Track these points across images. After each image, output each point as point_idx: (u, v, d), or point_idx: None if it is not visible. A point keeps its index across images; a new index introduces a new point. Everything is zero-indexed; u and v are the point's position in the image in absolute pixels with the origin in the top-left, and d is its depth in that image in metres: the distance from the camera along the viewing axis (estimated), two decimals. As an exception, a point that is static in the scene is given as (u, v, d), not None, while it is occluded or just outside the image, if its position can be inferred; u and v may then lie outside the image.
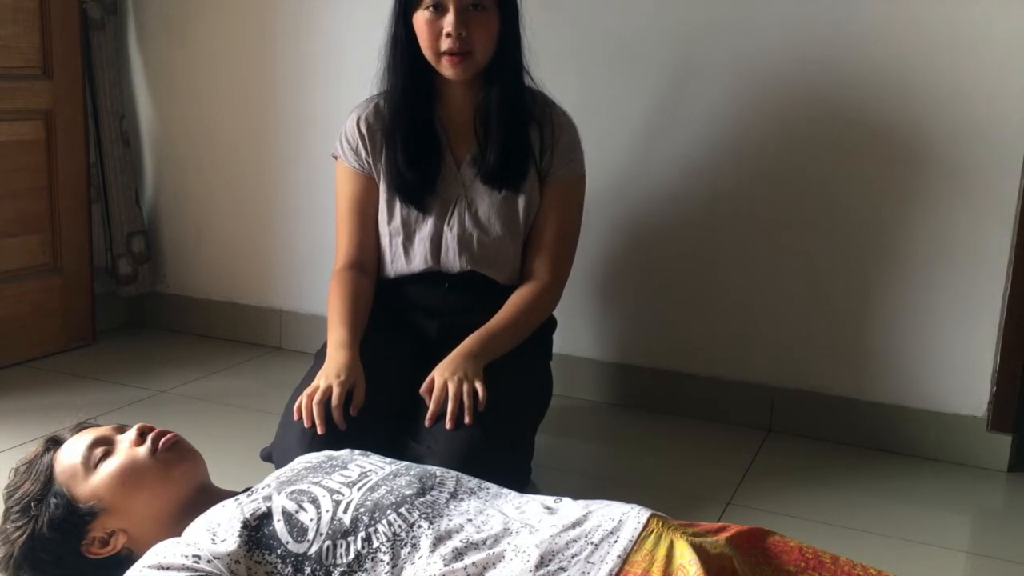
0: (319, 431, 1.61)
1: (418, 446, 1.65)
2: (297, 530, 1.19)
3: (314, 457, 1.39)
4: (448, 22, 1.70)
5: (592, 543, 1.14)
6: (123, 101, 2.82)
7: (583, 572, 1.11)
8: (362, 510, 1.20)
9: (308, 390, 1.67)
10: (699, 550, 1.10)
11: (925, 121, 2.09)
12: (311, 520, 1.20)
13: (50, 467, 1.32)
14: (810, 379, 2.28)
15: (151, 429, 1.36)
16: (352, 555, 1.16)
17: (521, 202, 1.86)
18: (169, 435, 1.36)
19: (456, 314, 1.88)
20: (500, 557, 1.13)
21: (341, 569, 1.16)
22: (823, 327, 2.25)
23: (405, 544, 1.16)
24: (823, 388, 2.27)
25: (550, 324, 2.00)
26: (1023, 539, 1.82)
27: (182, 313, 2.93)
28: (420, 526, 1.18)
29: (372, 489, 1.24)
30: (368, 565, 1.15)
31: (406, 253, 1.88)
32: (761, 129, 2.23)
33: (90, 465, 1.31)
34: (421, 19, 1.73)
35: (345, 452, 1.40)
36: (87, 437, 1.34)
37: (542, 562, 1.12)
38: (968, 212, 2.09)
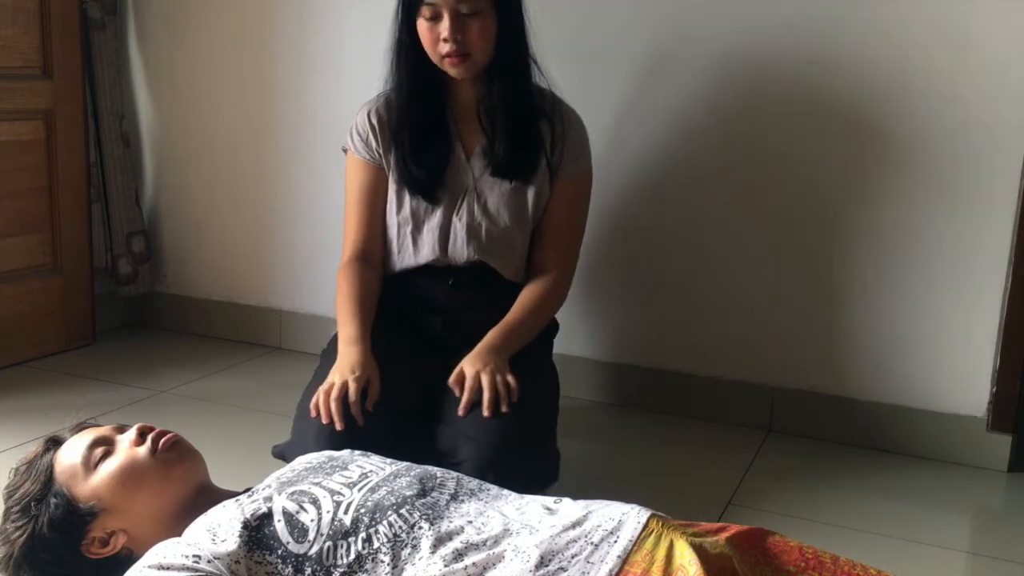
0: (338, 427, 1.61)
1: (449, 432, 1.68)
2: (298, 531, 1.19)
3: (314, 458, 1.39)
4: (444, 28, 1.75)
5: (592, 543, 1.14)
6: (123, 101, 2.82)
7: (583, 572, 1.11)
8: (363, 511, 1.20)
9: (324, 387, 1.67)
10: (699, 550, 1.10)
11: (925, 121, 2.09)
12: (312, 521, 1.20)
13: (50, 467, 1.32)
14: (810, 379, 2.28)
15: (151, 429, 1.36)
16: (352, 556, 1.16)
17: (531, 194, 1.89)
18: (169, 435, 1.36)
19: (460, 311, 1.90)
20: (500, 557, 1.13)
21: (341, 570, 1.16)
22: (823, 327, 2.25)
23: (406, 545, 1.16)
24: (823, 388, 2.27)
25: (553, 325, 2.01)
26: (1023, 539, 1.82)
27: (182, 313, 2.93)
28: (421, 527, 1.18)
29: (373, 490, 1.24)
30: (368, 566, 1.16)
31: (414, 243, 1.90)
32: (760, 129, 2.23)
33: (90, 465, 1.31)
34: (422, 26, 1.78)
35: (345, 452, 1.40)
36: (87, 437, 1.34)
37: (542, 562, 1.12)
38: (968, 212, 2.09)
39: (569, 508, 1.23)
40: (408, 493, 1.23)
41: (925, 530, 1.83)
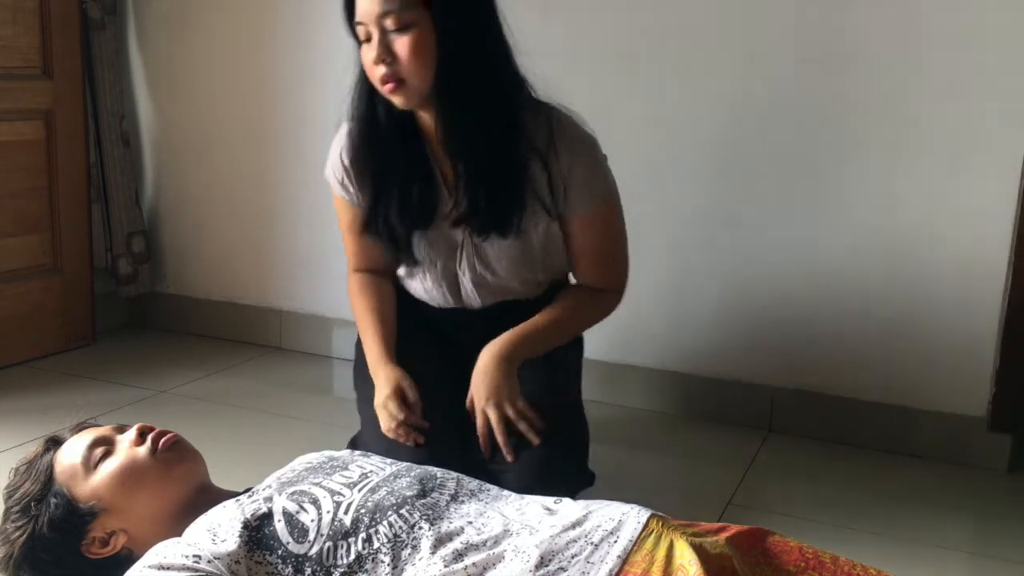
0: (419, 442, 1.58)
1: (495, 466, 1.60)
2: (298, 531, 1.19)
3: (315, 458, 1.39)
4: (373, 48, 1.50)
5: (592, 543, 1.14)
6: (123, 101, 2.82)
7: (583, 572, 1.11)
8: (363, 511, 1.20)
9: (384, 424, 1.61)
10: (699, 550, 1.10)
11: (924, 120, 2.09)
12: (312, 521, 1.20)
13: (50, 467, 1.32)
14: (810, 379, 2.28)
15: (151, 429, 1.36)
16: (353, 556, 1.16)
17: (536, 239, 1.66)
18: (169, 435, 1.36)
19: (484, 337, 1.69)
20: (500, 558, 1.13)
21: (342, 570, 1.16)
22: (823, 327, 2.25)
23: (406, 545, 1.16)
24: (823, 388, 2.27)
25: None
26: (1023, 539, 1.82)
27: (182, 313, 2.93)
28: (421, 527, 1.18)
29: (373, 490, 1.24)
30: (368, 566, 1.15)
31: (423, 286, 1.75)
32: (755, 126, 2.23)
33: (90, 465, 1.31)
34: (362, 50, 1.55)
35: (346, 453, 1.40)
36: (87, 437, 1.34)
37: (542, 562, 1.12)
38: (967, 211, 2.09)
39: (569, 508, 1.23)
40: (408, 493, 1.23)
41: (925, 530, 1.83)
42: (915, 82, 2.08)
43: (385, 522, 1.19)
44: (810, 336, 2.26)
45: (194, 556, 1.14)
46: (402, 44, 1.47)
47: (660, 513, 1.20)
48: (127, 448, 1.33)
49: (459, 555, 1.14)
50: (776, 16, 2.16)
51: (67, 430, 1.39)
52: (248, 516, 1.20)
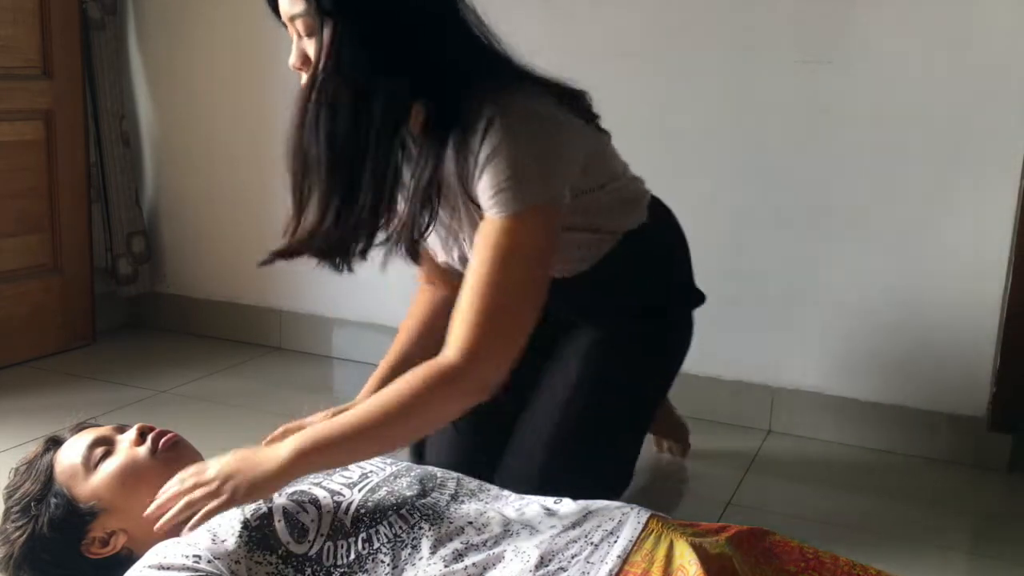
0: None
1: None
2: (298, 531, 1.19)
3: (314, 457, 1.39)
4: (292, 52, 1.40)
5: (592, 543, 1.14)
6: (123, 101, 2.82)
7: (583, 572, 1.11)
8: (363, 511, 1.21)
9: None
10: (699, 550, 1.10)
11: (924, 120, 2.09)
12: (312, 521, 1.20)
13: (50, 467, 1.32)
14: (810, 379, 2.28)
15: (151, 429, 1.36)
16: (352, 556, 1.16)
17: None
18: (169, 435, 1.36)
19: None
20: (500, 558, 1.13)
21: (342, 570, 1.16)
22: (823, 327, 2.25)
23: (406, 545, 1.16)
24: (823, 388, 2.27)
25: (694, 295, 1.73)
26: (1023, 539, 1.82)
27: (182, 313, 2.93)
28: (421, 527, 1.18)
29: (373, 490, 1.24)
30: (368, 566, 1.16)
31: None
32: (755, 127, 2.23)
33: (90, 465, 1.31)
34: None
35: (345, 453, 1.40)
36: (87, 437, 1.34)
37: (542, 562, 1.12)
38: (967, 211, 2.08)
39: (569, 508, 1.23)
40: (408, 494, 1.24)
41: (925, 530, 1.83)
42: (915, 82, 2.08)
43: (385, 522, 1.19)
44: (810, 336, 2.26)
45: (194, 556, 1.14)
46: (312, 46, 1.38)
47: (660, 513, 1.20)
48: (127, 448, 1.33)
49: (459, 555, 1.14)
50: (776, 16, 2.16)
51: (67, 430, 1.39)
52: (248, 516, 1.20)
